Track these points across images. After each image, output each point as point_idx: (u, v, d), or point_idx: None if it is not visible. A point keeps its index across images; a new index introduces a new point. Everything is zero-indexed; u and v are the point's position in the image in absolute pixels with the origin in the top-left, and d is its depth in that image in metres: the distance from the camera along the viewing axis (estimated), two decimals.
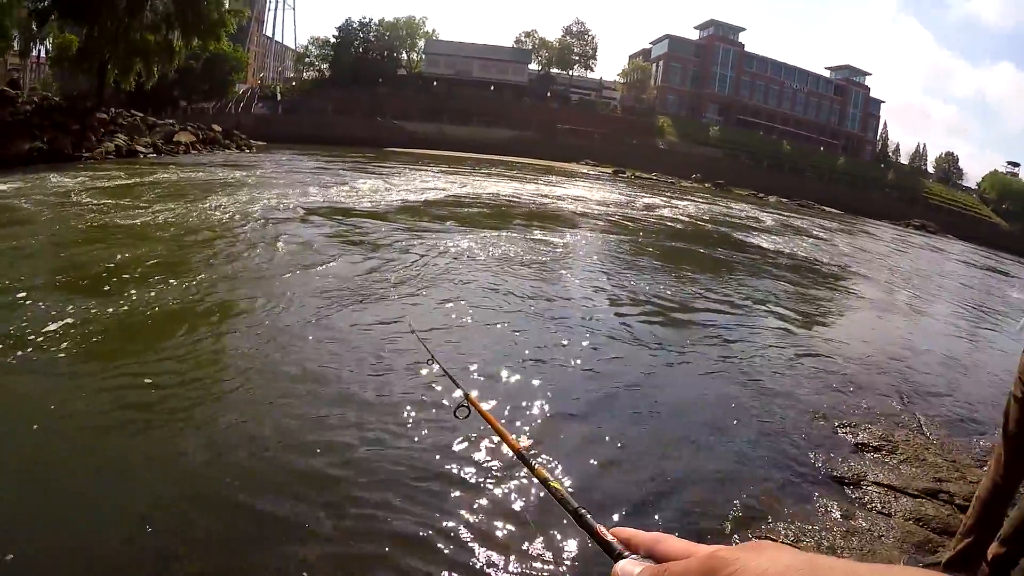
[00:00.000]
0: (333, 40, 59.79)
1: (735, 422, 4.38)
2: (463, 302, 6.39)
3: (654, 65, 71.59)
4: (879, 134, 79.39)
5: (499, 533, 2.91)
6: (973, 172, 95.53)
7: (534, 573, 2.68)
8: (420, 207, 13.18)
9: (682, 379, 5.19)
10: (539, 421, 4.03)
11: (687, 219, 19.02)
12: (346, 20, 60.40)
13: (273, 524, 2.78)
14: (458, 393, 1.37)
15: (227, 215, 9.82)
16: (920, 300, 12.94)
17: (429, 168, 23.92)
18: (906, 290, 14.14)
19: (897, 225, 48.86)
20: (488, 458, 3.44)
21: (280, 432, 3.56)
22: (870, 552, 2.99)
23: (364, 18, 60.58)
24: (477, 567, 2.68)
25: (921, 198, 65.03)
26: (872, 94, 78.46)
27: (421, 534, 2.83)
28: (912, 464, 3.98)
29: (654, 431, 4.10)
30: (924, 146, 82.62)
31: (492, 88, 61.49)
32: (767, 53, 75.43)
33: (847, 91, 75.97)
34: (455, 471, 3.37)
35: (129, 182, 13.56)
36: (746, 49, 71.92)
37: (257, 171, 16.20)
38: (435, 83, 60.50)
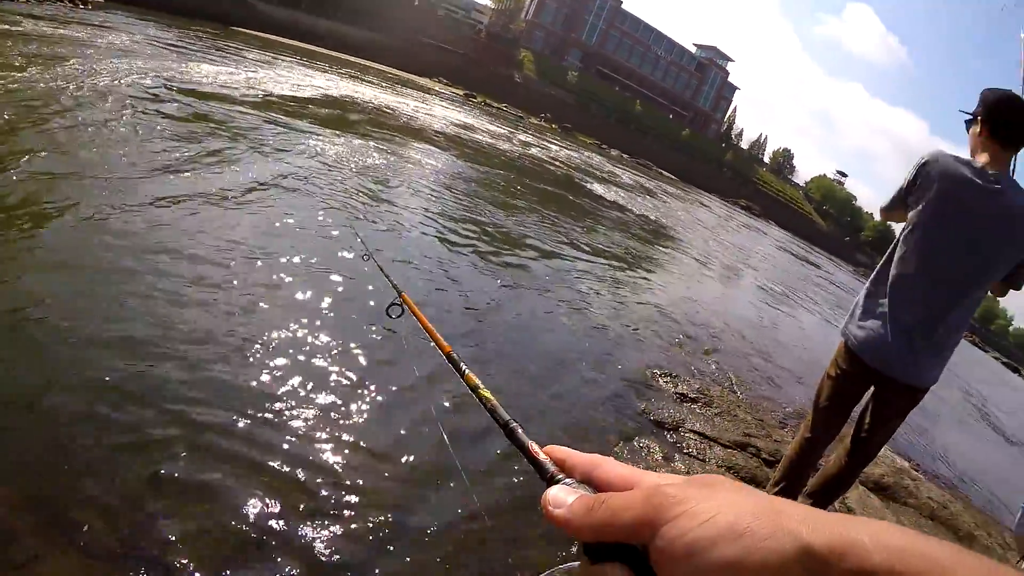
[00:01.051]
0: None
1: (574, 359, 4.48)
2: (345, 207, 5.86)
3: None
4: (727, 116, 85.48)
5: (421, 443, 2.74)
6: (804, 172, 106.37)
7: (459, 492, 2.52)
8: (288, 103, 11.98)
9: (529, 318, 5.16)
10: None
11: (546, 159, 19.15)
12: None
13: (184, 424, 2.38)
14: (391, 292, 1.30)
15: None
16: (743, 272, 14.23)
17: (282, 58, 21.81)
18: (732, 261, 15.45)
19: (727, 201, 53.27)
20: (417, 361, 3.25)
21: (192, 327, 3.04)
22: None
23: None
24: (393, 479, 2.49)
25: (752, 183, 71.58)
26: (730, 79, 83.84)
27: (339, 436, 2.63)
28: (725, 418, 4.34)
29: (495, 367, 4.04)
30: (766, 137, 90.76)
31: None
32: (642, 15, 77.33)
33: (707, 70, 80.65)
34: (382, 371, 3.18)
35: None
36: (622, 6, 73.09)
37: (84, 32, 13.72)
38: None
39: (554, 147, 27.48)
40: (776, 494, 2.41)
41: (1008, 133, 2.29)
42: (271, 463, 2.34)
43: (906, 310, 2.39)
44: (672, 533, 0.34)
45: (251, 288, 3.64)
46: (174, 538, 1.90)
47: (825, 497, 2.84)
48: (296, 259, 4.27)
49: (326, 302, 3.80)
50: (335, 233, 5.06)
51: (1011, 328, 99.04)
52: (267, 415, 2.60)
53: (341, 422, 2.72)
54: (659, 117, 71.45)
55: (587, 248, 8.53)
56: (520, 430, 0.54)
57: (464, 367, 0.73)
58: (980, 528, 4.52)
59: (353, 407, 2.85)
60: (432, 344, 0.86)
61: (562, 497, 0.42)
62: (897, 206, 2.54)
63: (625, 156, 48.78)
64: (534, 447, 0.50)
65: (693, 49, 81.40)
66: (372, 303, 3.97)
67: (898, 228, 2.58)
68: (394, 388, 3.10)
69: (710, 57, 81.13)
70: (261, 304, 3.52)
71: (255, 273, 3.85)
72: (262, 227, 4.68)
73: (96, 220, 3.85)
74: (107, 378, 2.51)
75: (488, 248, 6.48)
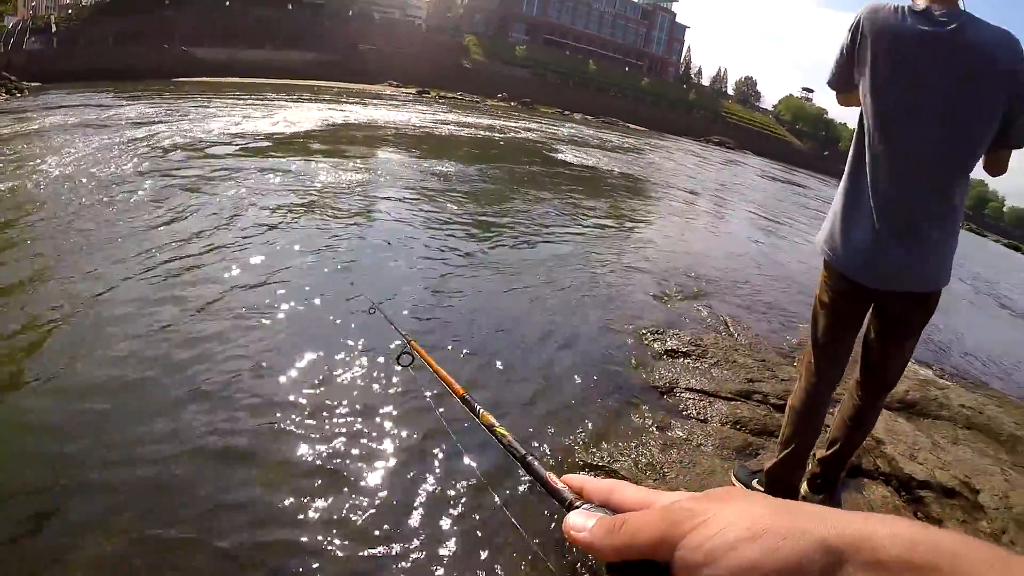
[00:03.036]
0: None
1: (558, 336, 4.14)
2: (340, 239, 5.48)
3: None
4: (683, 57, 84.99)
5: (443, 482, 2.54)
6: (770, 95, 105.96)
7: (481, 524, 2.34)
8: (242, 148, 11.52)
9: (512, 297, 4.79)
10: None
11: (510, 136, 18.74)
12: None
13: (194, 478, 2.40)
14: (400, 340, 1.31)
15: None
16: (729, 209, 13.84)
17: (230, 97, 21.33)
18: (716, 199, 15.07)
19: (699, 141, 52.84)
20: (432, 405, 2.93)
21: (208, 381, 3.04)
22: (691, 463, 2.83)
23: None
24: (419, 517, 2.34)
25: (721, 117, 71.35)
26: (678, 19, 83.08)
27: (362, 483, 2.49)
28: (723, 367, 3.96)
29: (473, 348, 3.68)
30: (725, 70, 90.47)
31: (291, 7, 56.06)
32: None
33: (654, 15, 79.81)
34: (396, 417, 2.95)
35: None
36: None
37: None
38: (228, 3, 53.78)
39: (518, 124, 26.99)
40: (787, 455, 2.02)
41: None
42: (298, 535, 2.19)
43: (889, 208, 1.93)
44: (692, 543, 0.35)
45: (260, 355, 3.38)
46: None
47: (848, 444, 2.42)
48: (298, 313, 4.00)
49: (336, 358, 3.46)
50: (335, 284, 4.61)
51: (1005, 209, 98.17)
52: (289, 485, 2.44)
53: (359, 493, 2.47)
54: (615, 72, 70.53)
55: (568, 217, 8.24)
56: (537, 463, 0.56)
57: (479, 407, 0.76)
58: (1022, 427, 4.18)
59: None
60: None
61: (582, 521, 0.43)
62: (840, 82, 2.07)
63: (589, 118, 48.35)
64: (551, 477, 0.51)
65: None
66: (381, 356, 3.55)
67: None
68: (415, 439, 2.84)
69: (653, 3, 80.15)
70: (271, 367, 3.28)
71: (258, 340, 3.56)
72: (259, 283, 4.39)
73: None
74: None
75: (472, 244, 6.20)
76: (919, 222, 1.93)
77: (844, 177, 2.09)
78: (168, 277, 4.25)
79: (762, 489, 2.48)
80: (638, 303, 5.17)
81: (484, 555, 2.19)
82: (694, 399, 3.50)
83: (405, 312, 4.17)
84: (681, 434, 3.09)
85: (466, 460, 2.68)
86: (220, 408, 2.83)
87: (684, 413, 3.36)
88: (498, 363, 3.64)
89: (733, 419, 3.32)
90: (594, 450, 2.85)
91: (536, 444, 2.87)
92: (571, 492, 0.49)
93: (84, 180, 6.68)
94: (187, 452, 2.53)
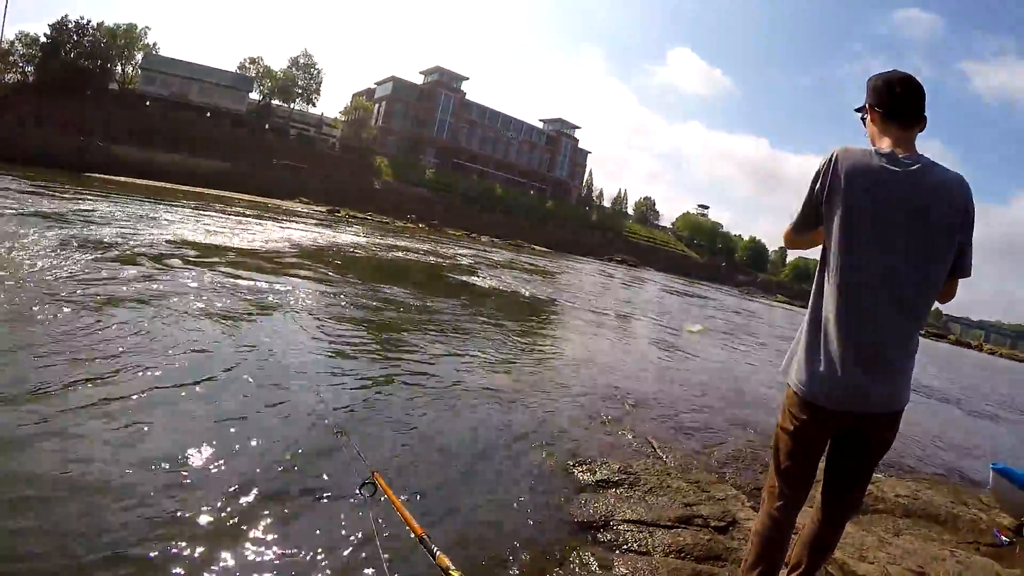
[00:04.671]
0: (44, 40, 49.57)
1: (479, 472, 3.93)
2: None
3: (377, 105, 72.98)
4: (585, 180, 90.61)
5: None
6: (668, 213, 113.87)
7: None
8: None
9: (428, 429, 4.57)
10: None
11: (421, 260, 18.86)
12: (62, 18, 50.44)
13: None
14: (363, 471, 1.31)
15: None
16: (634, 324, 14.27)
17: (149, 204, 20.58)
18: (622, 316, 15.54)
19: (602, 260, 55.37)
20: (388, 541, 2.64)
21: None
22: None
23: (82, 18, 51.27)
24: None
25: (622, 237, 75.60)
26: (580, 145, 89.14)
27: None
28: (657, 493, 3.89)
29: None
30: (625, 191, 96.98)
31: (209, 115, 56.27)
32: (487, 103, 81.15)
33: (558, 141, 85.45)
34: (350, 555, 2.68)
35: None
36: (467, 97, 76.39)
37: None
38: (148, 103, 53.37)
39: (425, 247, 27.41)
40: None
41: (903, 107, 2.11)
42: None
43: (855, 336, 2.05)
44: None
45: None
46: None
47: (811, 567, 2.42)
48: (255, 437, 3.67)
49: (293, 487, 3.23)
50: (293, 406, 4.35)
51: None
52: None
53: None
54: (521, 195, 74.01)
55: (477, 340, 8.21)
56: None
57: (436, 549, 0.78)
58: (957, 504, 4.37)
59: None
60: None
61: None
62: (808, 220, 2.24)
63: (496, 240, 49.87)
64: None
65: (540, 125, 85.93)
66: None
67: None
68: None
69: (558, 129, 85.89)
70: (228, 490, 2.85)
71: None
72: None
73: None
74: None
75: (384, 367, 5.98)
76: (884, 348, 2.05)
77: (809, 309, 2.20)
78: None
79: None
80: (559, 429, 5.05)
81: None
82: (632, 531, 3.37)
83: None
84: (625, 571, 2.93)
85: None
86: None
87: (624, 547, 3.21)
88: (428, 499, 3.41)
89: (676, 548, 3.21)
90: None
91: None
92: None
93: None
94: None
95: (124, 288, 6.92)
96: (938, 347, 36.33)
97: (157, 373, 4.44)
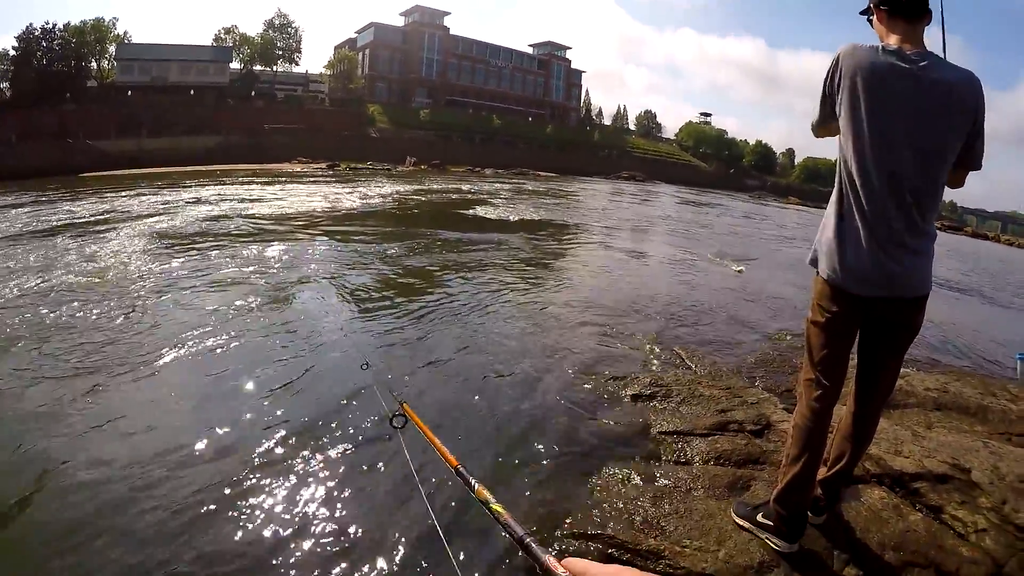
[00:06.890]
0: (13, 53, 48.34)
1: (513, 397, 4.08)
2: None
3: (361, 54, 71.14)
4: (582, 101, 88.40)
5: (430, 560, 2.47)
6: (671, 124, 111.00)
7: None
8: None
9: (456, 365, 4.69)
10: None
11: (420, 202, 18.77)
12: (27, 27, 48.97)
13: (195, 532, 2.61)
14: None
15: None
16: (650, 240, 14.23)
17: (147, 191, 20.59)
18: (636, 233, 15.47)
19: (610, 178, 54.64)
20: (421, 473, 2.89)
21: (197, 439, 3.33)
22: (687, 511, 2.76)
23: (48, 23, 49.73)
24: None
25: (627, 153, 74.24)
26: (573, 66, 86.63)
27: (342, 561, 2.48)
28: (691, 403, 3.97)
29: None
30: (625, 107, 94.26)
31: (192, 92, 55.28)
32: (472, 35, 78.73)
33: (550, 65, 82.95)
34: (386, 485, 2.99)
35: None
36: (451, 32, 74.19)
37: None
38: (129, 92, 52.48)
39: (434, 186, 27.24)
40: (796, 474, 2.03)
41: (908, 2, 2.12)
42: None
43: (877, 226, 2.13)
44: None
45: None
46: None
47: (851, 460, 2.53)
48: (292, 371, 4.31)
49: (326, 417, 3.65)
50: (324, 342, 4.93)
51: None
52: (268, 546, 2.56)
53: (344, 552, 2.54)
54: (519, 124, 72.59)
55: (498, 271, 8.24)
56: (535, 545, 0.54)
57: (474, 481, 0.72)
58: (986, 395, 4.40)
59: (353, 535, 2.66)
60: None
61: None
62: (828, 115, 2.28)
63: (500, 171, 49.30)
64: (552, 561, 0.50)
65: (530, 50, 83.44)
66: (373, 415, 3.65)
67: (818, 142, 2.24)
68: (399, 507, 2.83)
69: (548, 52, 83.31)
70: (265, 423, 3.53)
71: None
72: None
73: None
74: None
75: (393, 303, 6.05)
76: (904, 235, 2.12)
77: (831, 203, 2.28)
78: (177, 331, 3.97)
79: (770, 523, 2.49)
80: (588, 348, 5.17)
81: None
82: (670, 441, 3.48)
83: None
84: (668, 482, 3.04)
85: (458, 540, 2.59)
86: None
87: (664, 459, 3.32)
88: (461, 430, 3.55)
89: (715, 455, 3.31)
90: (585, 517, 2.75)
91: (522, 512, 2.78)
92: None
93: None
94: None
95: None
96: (954, 240, 35.66)
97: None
